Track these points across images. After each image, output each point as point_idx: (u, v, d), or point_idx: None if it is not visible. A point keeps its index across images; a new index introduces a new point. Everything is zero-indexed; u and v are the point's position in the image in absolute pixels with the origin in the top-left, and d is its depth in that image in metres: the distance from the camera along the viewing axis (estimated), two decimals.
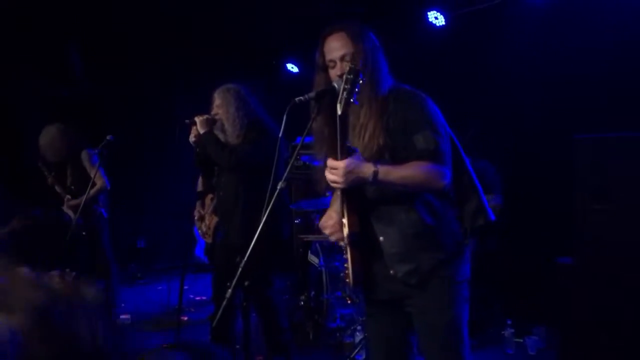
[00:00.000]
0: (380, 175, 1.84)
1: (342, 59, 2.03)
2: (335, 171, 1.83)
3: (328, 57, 2.07)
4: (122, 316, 5.01)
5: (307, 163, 4.60)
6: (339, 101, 1.82)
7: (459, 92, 4.69)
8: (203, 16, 5.91)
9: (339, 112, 1.82)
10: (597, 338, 3.24)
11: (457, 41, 5.04)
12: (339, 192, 2.00)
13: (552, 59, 4.35)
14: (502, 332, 3.97)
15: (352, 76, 1.80)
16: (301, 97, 2.02)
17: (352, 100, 1.81)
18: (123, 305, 5.34)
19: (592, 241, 3.30)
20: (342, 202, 2.00)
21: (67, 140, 4.73)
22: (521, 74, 4.52)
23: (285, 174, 2.05)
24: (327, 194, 4.60)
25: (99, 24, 5.91)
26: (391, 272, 2.00)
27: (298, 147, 2.04)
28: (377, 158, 1.91)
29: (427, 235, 1.98)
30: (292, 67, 7.14)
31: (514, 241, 4.41)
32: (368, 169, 1.84)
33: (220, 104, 3.36)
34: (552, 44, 4.35)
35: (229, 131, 3.34)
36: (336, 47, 2.04)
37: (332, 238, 2.14)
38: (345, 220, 1.99)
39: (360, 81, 1.82)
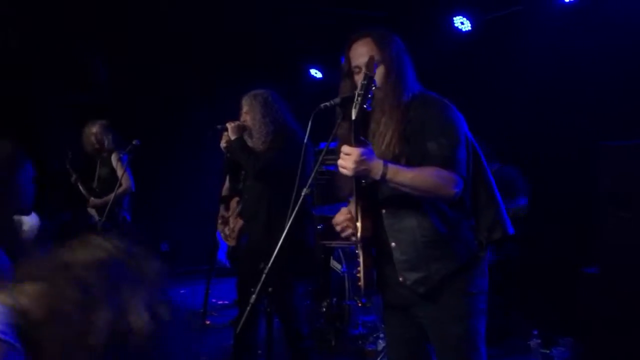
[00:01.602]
0: (389, 175, 1.81)
1: (380, 62, 2.00)
2: (348, 157, 1.80)
3: (353, 62, 2.06)
4: None
5: (331, 171, 4.59)
6: (353, 106, 1.82)
7: (485, 97, 4.64)
8: (226, 21, 5.96)
9: (353, 117, 1.81)
10: (625, 348, 3.16)
11: (483, 46, 5.00)
12: (354, 197, 1.99)
13: (578, 64, 4.28)
14: (528, 343, 3.89)
15: (365, 82, 1.80)
16: (326, 103, 2.02)
17: (365, 106, 1.80)
18: None
19: (617, 249, 3.24)
20: (356, 206, 1.98)
21: (107, 136, 4.84)
22: (547, 79, 4.46)
23: (310, 180, 2.05)
24: (349, 199, 4.59)
25: (122, 30, 6.00)
26: (400, 279, 1.98)
27: (323, 152, 2.03)
28: None
29: (439, 244, 1.94)
30: (315, 73, 7.15)
31: (540, 250, 4.34)
32: (378, 166, 1.81)
33: (247, 111, 3.39)
34: (578, 48, 4.28)
35: (255, 138, 3.36)
36: (361, 53, 2.03)
37: (343, 234, 2.10)
38: (358, 224, 1.98)
39: (373, 87, 1.81)
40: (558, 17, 4.42)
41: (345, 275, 4.32)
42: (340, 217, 2.08)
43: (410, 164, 1.91)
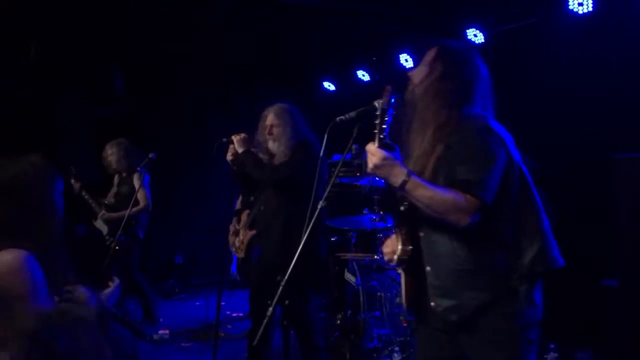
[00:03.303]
0: (408, 186, 1.80)
1: (426, 74, 2.01)
2: (371, 157, 1.81)
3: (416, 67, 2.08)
4: (160, 331, 5.07)
5: (344, 183, 4.59)
6: (376, 132, 1.83)
7: (498, 110, 4.62)
8: (240, 35, 6.03)
9: (376, 145, 1.81)
10: None
11: (496, 59, 4.98)
12: (394, 220, 2.03)
13: (592, 76, 4.26)
14: (545, 357, 3.84)
15: (379, 113, 1.81)
16: (342, 117, 2.04)
17: (382, 136, 1.81)
18: (161, 320, 5.41)
19: (636, 262, 3.20)
20: (397, 229, 2.00)
21: (130, 155, 4.91)
22: (560, 92, 4.43)
23: (326, 194, 2.07)
24: (365, 211, 4.60)
25: (139, 43, 6.10)
26: (432, 304, 1.97)
27: (339, 164, 2.05)
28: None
29: (472, 274, 1.90)
30: (329, 86, 7.19)
31: None
32: (400, 174, 1.80)
33: (278, 123, 3.40)
34: (592, 60, 4.26)
35: (280, 149, 3.38)
36: (424, 62, 2.05)
37: (387, 260, 2.09)
38: (399, 246, 1.99)
39: (386, 118, 1.81)
40: (572, 29, 4.40)
41: (360, 288, 4.31)
42: (388, 248, 2.06)
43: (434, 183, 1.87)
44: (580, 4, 4.24)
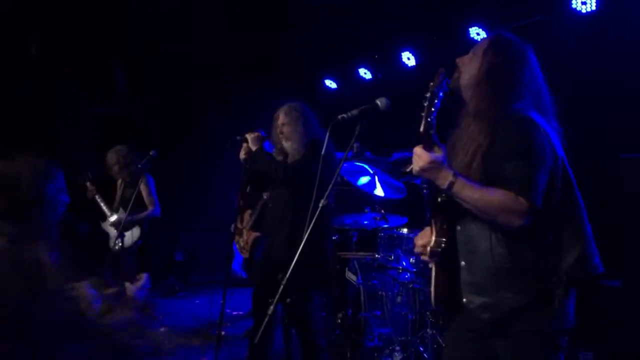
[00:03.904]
0: (455, 188, 1.77)
1: (475, 65, 1.95)
2: (418, 160, 1.78)
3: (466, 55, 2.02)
4: (160, 329, 5.05)
5: (347, 181, 4.57)
6: (424, 115, 1.77)
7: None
8: (238, 34, 6.02)
9: (421, 130, 1.77)
10: None
11: None
12: (430, 211, 1.99)
13: (595, 75, 4.25)
14: None
15: (429, 96, 1.76)
16: (344, 115, 2.02)
17: (429, 119, 1.76)
18: (161, 317, 5.39)
19: (639, 263, 3.18)
20: (432, 220, 1.97)
21: (130, 162, 4.90)
22: (563, 91, 4.39)
23: (327, 192, 2.05)
24: (366, 209, 4.58)
25: (140, 41, 6.09)
26: (464, 300, 1.92)
27: (341, 162, 2.04)
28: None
29: (508, 273, 1.84)
30: (330, 84, 7.18)
31: None
32: (446, 177, 1.77)
33: (288, 122, 3.40)
34: (596, 60, 4.24)
35: (293, 148, 3.38)
36: (474, 51, 1.99)
37: (418, 252, 2.05)
38: (433, 238, 1.95)
39: (436, 101, 1.76)
40: (575, 28, 4.39)
41: (361, 286, 4.29)
42: (422, 240, 2.03)
43: (482, 181, 1.82)
44: (584, 3, 4.23)
